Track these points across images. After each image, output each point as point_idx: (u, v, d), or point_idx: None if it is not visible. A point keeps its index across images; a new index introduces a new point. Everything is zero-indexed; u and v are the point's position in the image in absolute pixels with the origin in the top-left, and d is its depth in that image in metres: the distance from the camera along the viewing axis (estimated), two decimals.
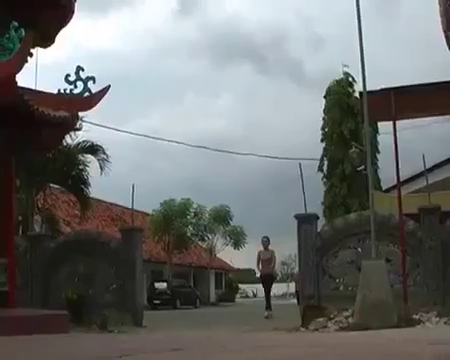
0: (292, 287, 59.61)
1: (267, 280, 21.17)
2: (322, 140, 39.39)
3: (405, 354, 6.12)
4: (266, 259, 20.79)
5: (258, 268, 21.49)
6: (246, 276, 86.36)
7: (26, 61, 11.59)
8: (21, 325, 10.59)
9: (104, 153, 25.47)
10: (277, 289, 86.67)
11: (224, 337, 9.72)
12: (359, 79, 13.53)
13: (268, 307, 20.48)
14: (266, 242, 20.97)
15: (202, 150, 45.06)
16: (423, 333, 10.10)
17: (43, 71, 13.26)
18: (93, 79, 12.86)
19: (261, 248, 21.28)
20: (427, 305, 13.00)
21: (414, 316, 11.97)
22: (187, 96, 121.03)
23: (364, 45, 12.48)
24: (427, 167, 17.69)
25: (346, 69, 38.96)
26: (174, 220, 46.59)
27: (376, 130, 35.31)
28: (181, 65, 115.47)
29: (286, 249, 72.68)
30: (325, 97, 39.66)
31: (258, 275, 23.44)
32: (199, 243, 54.12)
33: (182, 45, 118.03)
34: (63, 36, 13.83)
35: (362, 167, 28.64)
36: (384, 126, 20.91)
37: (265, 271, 20.92)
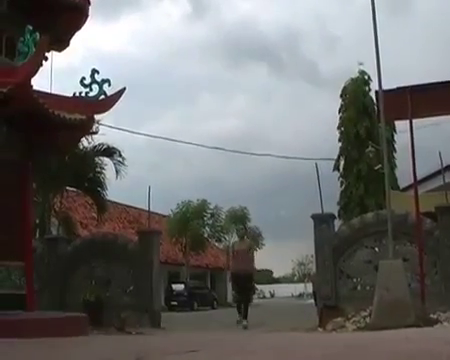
0: (309, 287, 59.55)
1: (242, 279, 16.58)
2: (339, 139, 39.31)
3: (424, 354, 6.08)
4: (241, 251, 16.83)
5: (232, 263, 18.12)
6: (263, 277, 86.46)
7: (41, 65, 11.65)
8: (40, 328, 10.62)
9: (120, 156, 25.55)
10: (295, 290, 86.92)
11: (241, 338, 9.72)
12: (375, 77, 13.47)
13: (245, 315, 16.23)
14: (242, 231, 18.37)
15: (218, 151, 45.15)
16: (441, 332, 10.04)
17: (58, 75, 13.31)
18: (108, 82, 12.89)
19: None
20: (445, 304, 12.93)
21: (432, 315, 11.92)
22: (202, 98, 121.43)
23: (379, 43, 12.45)
24: (444, 165, 17.61)
25: (361, 67, 38.85)
26: (191, 222, 46.62)
27: (393, 129, 35.19)
28: (195, 67, 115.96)
29: (303, 249, 72.71)
30: (341, 96, 39.59)
31: (230, 273, 19.49)
32: (216, 244, 54.12)
33: (196, 47, 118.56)
34: (77, 40, 13.91)
35: (379, 166, 28.53)
36: (401, 125, 20.82)
37: (239, 267, 16.61)
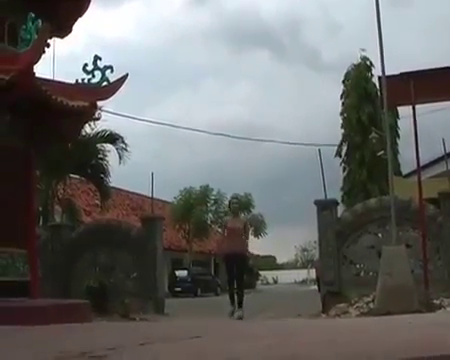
0: (312, 274, 59.64)
1: (236, 261, 14.11)
2: (342, 126, 39.28)
3: (428, 339, 6.10)
4: (235, 229, 14.35)
5: (222, 243, 15.44)
6: (266, 263, 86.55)
7: (44, 52, 11.61)
8: (44, 315, 10.65)
9: (123, 142, 25.55)
10: (298, 276, 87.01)
11: (245, 324, 9.75)
12: (377, 63, 13.45)
13: (240, 303, 14.12)
14: (236, 205, 15.16)
15: (221, 138, 45.10)
16: (444, 318, 10.06)
17: (60, 63, 13.28)
18: (111, 68, 12.86)
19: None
20: (448, 290, 12.96)
21: (435, 301, 11.94)
22: (204, 84, 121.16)
23: (382, 28, 12.42)
24: (447, 152, 17.61)
25: (364, 53, 38.77)
26: (194, 208, 46.63)
27: (396, 115, 35.13)
28: (197, 53, 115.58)
29: (306, 236, 72.78)
30: (343, 82, 39.52)
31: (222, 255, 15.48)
32: (219, 230, 54.11)
33: (198, 33, 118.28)
34: (79, 27, 13.87)
35: (382, 152, 28.50)
36: (404, 111, 20.80)
37: (233, 248, 14.07)
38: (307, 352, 5.72)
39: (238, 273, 14.27)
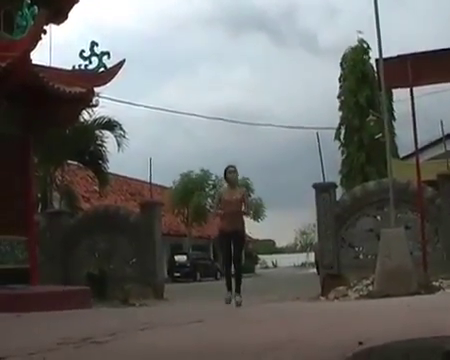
0: (312, 257, 59.76)
1: (234, 240, 11.90)
2: (340, 108, 39.26)
3: (426, 321, 6.12)
4: (233, 202, 11.94)
5: (217, 216, 13.02)
6: (266, 246, 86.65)
7: (40, 38, 11.59)
8: (44, 301, 10.68)
9: (121, 129, 25.48)
10: (297, 259, 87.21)
11: (244, 308, 9.78)
12: (374, 46, 13.42)
13: (238, 288, 11.94)
14: (233, 173, 12.33)
15: (220, 122, 44.98)
16: (443, 299, 10.09)
17: (56, 50, 13.25)
18: (108, 54, 12.85)
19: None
20: (447, 272, 12.99)
21: (434, 283, 11.98)
22: (202, 69, 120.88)
23: (379, 11, 12.39)
24: (445, 133, 17.60)
25: (361, 36, 38.66)
26: (193, 193, 46.62)
27: (391, 97, 35.09)
28: (194, 38, 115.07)
29: (305, 219, 72.85)
30: (341, 65, 39.46)
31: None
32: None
33: (194, 18, 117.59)
34: (75, 13, 13.83)
35: (379, 135, 28.49)
36: (401, 93, 20.75)
37: (230, 224, 11.82)
38: (305, 336, 5.74)
39: (236, 253, 12.12)
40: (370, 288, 12.02)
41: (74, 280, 16.07)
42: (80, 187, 38.66)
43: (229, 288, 11.96)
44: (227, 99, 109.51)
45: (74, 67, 12.78)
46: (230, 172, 12.31)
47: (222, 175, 12.86)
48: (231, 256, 12.01)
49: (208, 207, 49.41)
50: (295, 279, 28.96)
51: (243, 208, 12.27)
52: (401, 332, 5.03)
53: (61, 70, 12.71)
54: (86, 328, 7.35)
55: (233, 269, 12.29)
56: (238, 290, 11.89)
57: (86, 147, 25.40)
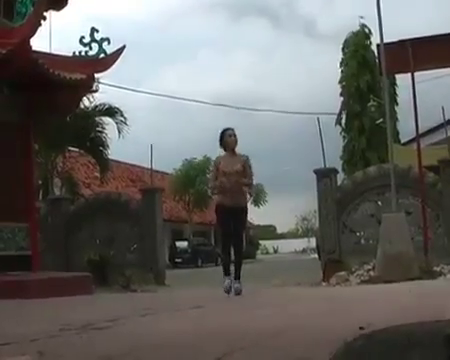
0: (313, 242, 59.86)
1: (234, 218, 10.14)
2: (341, 94, 39.22)
3: (427, 306, 6.13)
4: (232, 172, 10.07)
5: (214, 188, 10.93)
6: (267, 232, 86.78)
7: (40, 25, 11.54)
8: (46, 288, 10.70)
9: (122, 115, 25.45)
10: (298, 245, 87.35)
11: (246, 294, 9.78)
12: (376, 31, 13.37)
13: (238, 274, 10.13)
14: (233, 137, 10.33)
15: (221, 108, 44.93)
16: (444, 285, 10.11)
17: (56, 37, 13.21)
18: (108, 40, 12.81)
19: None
20: (448, 257, 12.99)
21: (435, 268, 11.98)
22: (202, 55, 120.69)
23: None
24: (446, 119, 17.57)
25: (362, 21, 38.59)
26: (194, 179, 46.62)
27: (394, 83, 35.05)
28: (195, 24, 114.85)
29: (306, 205, 72.86)
30: (343, 50, 39.39)
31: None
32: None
33: (196, 4, 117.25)
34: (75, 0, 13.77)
35: (380, 120, 28.47)
36: (402, 79, 20.71)
37: (230, 198, 10.05)
38: (306, 321, 5.75)
39: (237, 234, 10.41)
40: (371, 273, 12.03)
41: (75, 266, 16.11)
42: (81, 173, 38.68)
43: (226, 273, 10.21)
44: (227, 85, 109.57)
45: (74, 53, 12.74)
46: (229, 136, 10.36)
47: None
48: (231, 235, 10.30)
49: (209, 193, 49.44)
50: (296, 265, 28.97)
51: (245, 180, 10.25)
52: (402, 317, 5.04)
53: (61, 56, 12.68)
54: (87, 314, 7.37)
55: (233, 251, 10.49)
56: (238, 276, 10.15)
57: (87, 133, 25.39)
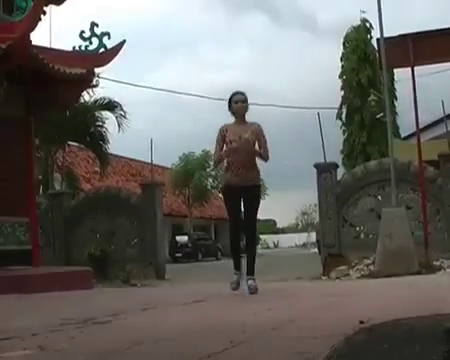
0: (313, 237, 59.87)
1: (245, 198, 8.58)
2: (341, 88, 39.19)
3: (427, 300, 6.14)
4: (242, 142, 8.39)
5: (218, 161, 9.19)
6: (267, 226, 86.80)
7: (40, 19, 11.52)
8: (46, 283, 10.71)
9: (122, 110, 25.46)
10: (298, 239, 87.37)
11: (246, 288, 9.77)
12: (377, 26, 13.36)
13: (252, 269, 8.48)
14: (243, 103, 8.57)
15: (221, 103, 44.72)
16: (444, 279, 10.12)
17: (57, 31, 13.19)
18: (108, 35, 12.80)
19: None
20: (448, 251, 13.01)
21: (435, 263, 12.00)
22: (202, 50, 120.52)
23: None
24: (446, 113, 17.55)
25: (364, 15, 38.53)
26: (194, 173, 46.64)
27: (392, 77, 35.02)
28: (194, 19, 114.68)
29: (307, 199, 72.91)
30: (344, 44, 39.35)
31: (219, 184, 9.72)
32: (219, 195, 54.11)
33: None
34: None
35: (381, 115, 28.45)
36: (402, 73, 20.69)
37: (239, 175, 8.44)
38: (306, 315, 5.77)
39: (249, 219, 8.75)
40: (371, 268, 12.05)
41: (76, 261, 16.13)
42: (81, 168, 38.77)
43: (237, 266, 8.63)
44: (227, 79, 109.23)
45: (74, 48, 12.73)
46: (238, 101, 8.56)
47: None
48: (240, 220, 8.79)
49: (209, 187, 49.46)
50: (296, 259, 29.01)
51: (258, 150, 8.63)
52: (402, 311, 5.05)
53: (61, 51, 12.67)
54: (88, 308, 7.38)
55: (245, 241, 8.75)
56: (251, 271, 8.49)
57: (87, 128, 25.41)
